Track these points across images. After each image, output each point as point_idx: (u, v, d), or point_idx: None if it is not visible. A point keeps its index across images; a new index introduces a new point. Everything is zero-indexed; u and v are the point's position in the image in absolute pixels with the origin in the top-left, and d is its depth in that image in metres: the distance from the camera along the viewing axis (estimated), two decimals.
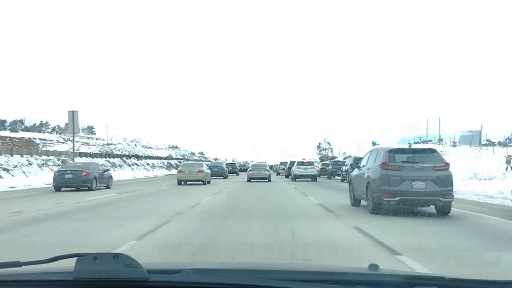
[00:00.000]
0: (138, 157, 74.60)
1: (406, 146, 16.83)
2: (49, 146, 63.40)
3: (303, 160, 40.69)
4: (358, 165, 14.06)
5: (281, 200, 16.39)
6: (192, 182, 29.08)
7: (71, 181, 23.37)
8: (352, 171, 15.46)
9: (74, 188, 23.47)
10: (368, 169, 12.41)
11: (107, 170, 28.42)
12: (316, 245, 7.04)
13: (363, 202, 13.32)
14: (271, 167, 57.23)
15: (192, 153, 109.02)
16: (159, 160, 79.76)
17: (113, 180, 27.54)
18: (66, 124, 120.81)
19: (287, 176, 44.23)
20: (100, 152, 70.16)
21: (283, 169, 51.88)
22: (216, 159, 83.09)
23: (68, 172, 23.76)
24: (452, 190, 11.28)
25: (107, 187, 25.57)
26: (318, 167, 50.17)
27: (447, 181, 11.25)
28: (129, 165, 64.55)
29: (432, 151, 12.20)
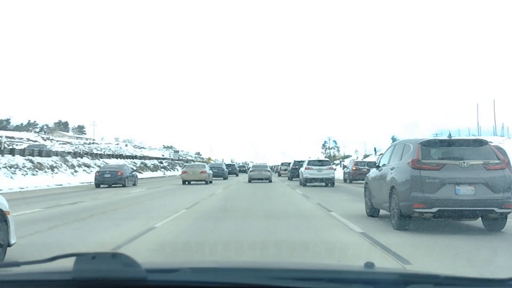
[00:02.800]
0: (94, 155, 56.85)
1: (445, 138, 11.94)
2: (17, 144, 58.99)
3: (317, 159, 31.68)
4: (377, 164, 11.23)
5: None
6: (195, 182, 31.58)
7: (109, 179, 29.48)
8: (369, 172, 12.51)
9: (107, 185, 29.43)
10: (391, 169, 9.60)
11: (135, 170, 35.34)
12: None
13: (382, 212, 10.85)
14: (272, 168, 57.30)
15: (176, 151, 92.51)
16: (130, 160, 63.47)
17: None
18: (55, 123, 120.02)
19: (290, 178, 38.28)
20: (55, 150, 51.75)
21: (285, 170, 47.23)
22: (209, 159, 78.11)
23: (107, 172, 30.13)
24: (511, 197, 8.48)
25: (134, 184, 31.60)
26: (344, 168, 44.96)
27: (506, 184, 8.48)
28: (72, 167, 44.55)
29: (481, 143, 9.13)
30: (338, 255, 6.83)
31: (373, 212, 11.20)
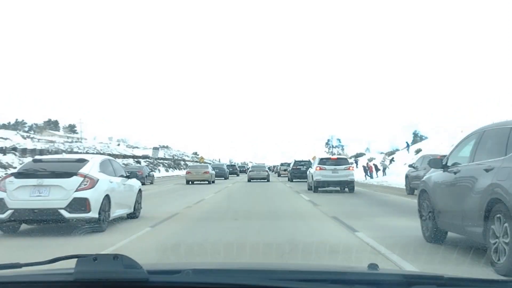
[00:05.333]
0: (29, 151, 46.83)
1: None
2: None
3: (331, 157, 25.50)
4: (445, 163, 7.39)
5: None
6: (198, 182, 32.64)
7: None
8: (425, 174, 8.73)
9: None
10: (488, 171, 6.06)
11: (152, 170, 40.82)
12: None
13: (452, 235, 7.38)
14: (271, 169, 59.62)
15: (156, 149, 75.12)
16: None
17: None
18: (44, 122, 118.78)
19: (290, 179, 36.40)
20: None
21: (285, 170, 46.72)
22: (201, 158, 75.89)
23: (129, 172, 33.91)
24: None
25: (151, 183, 35.35)
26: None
27: None
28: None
29: None
30: None
31: (437, 236, 7.51)
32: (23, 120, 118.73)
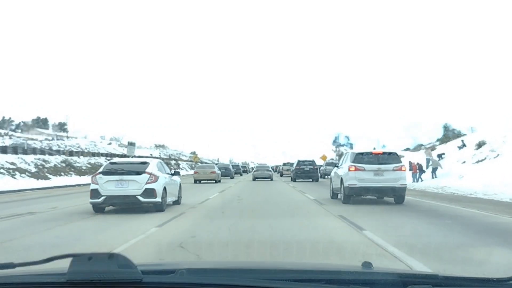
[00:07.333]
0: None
1: None
2: None
3: (373, 151, 16.36)
4: None
5: None
6: (205, 181, 34.21)
7: None
8: None
9: None
10: None
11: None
12: None
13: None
14: (274, 168, 62.14)
15: (132, 145, 64.90)
16: (33, 156, 41.77)
17: None
18: (32, 120, 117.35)
19: (293, 179, 36.48)
20: None
21: (288, 170, 47.27)
22: (195, 158, 74.39)
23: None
24: None
25: None
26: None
27: None
28: None
29: None
30: None
31: None
32: (10, 118, 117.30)
